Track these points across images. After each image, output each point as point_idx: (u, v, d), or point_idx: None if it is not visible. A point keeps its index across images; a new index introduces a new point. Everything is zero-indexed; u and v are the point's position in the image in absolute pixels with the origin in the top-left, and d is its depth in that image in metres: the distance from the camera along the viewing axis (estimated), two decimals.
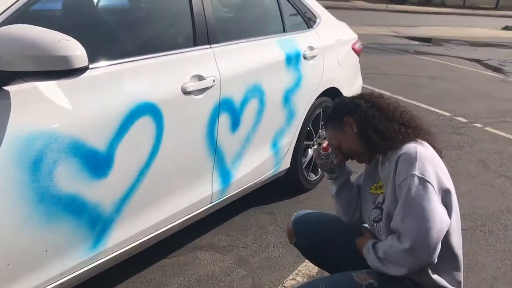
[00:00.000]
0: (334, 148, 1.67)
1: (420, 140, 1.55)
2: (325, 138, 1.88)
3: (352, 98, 1.68)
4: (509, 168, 4.04)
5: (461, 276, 1.56)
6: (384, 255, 1.47)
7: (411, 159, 1.44)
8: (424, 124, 1.64)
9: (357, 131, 1.61)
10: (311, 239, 1.82)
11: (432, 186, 1.41)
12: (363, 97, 1.66)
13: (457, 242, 1.52)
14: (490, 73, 8.91)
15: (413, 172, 1.41)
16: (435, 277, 1.49)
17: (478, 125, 5.23)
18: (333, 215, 1.89)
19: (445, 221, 1.40)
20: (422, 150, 1.48)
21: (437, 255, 1.38)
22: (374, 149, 1.62)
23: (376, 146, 1.59)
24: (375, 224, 1.62)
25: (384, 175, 1.58)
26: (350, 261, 1.67)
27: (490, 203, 3.34)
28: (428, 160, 1.46)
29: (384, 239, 1.54)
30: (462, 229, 2.89)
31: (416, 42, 12.81)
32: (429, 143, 1.57)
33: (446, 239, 1.47)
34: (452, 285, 1.52)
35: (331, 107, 1.76)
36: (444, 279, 1.51)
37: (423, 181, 1.40)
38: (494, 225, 3.04)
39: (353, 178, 1.83)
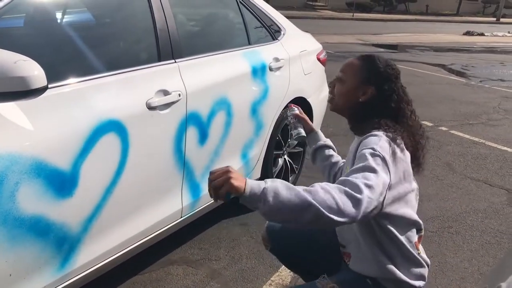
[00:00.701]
0: (334, 80, 1.65)
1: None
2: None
3: (396, 81, 1.58)
4: (474, 169, 4.16)
5: (424, 271, 1.56)
6: (314, 192, 1.23)
7: (375, 139, 1.42)
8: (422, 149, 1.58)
9: (363, 102, 1.56)
10: (285, 242, 1.83)
11: (387, 163, 1.36)
12: (399, 94, 1.58)
13: (411, 237, 1.52)
14: (454, 77, 9.18)
15: (374, 146, 1.38)
16: (397, 272, 1.50)
17: (444, 128, 5.38)
18: None
19: (383, 193, 1.32)
20: (391, 142, 1.43)
21: (363, 216, 1.26)
22: (352, 120, 1.61)
23: (355, 122, 1.60)
24: None
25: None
26: (323, 262, 1.69)
27: (456, 205, 3.43)
28: (387, 145, 1.41)
29: None
30: (430, 231, 2.98)
31: (382, 49, 13.09)
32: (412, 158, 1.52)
33: (402, 233, 1.49)
34: (413, 280, 1.52)
35: (379, 59, 1.60)
36: (406, 276, 1.51)
37: (381, 157, 1.36)
38: (461, 226, 3.12)
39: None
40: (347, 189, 1.24)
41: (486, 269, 2.63)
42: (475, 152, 4.62)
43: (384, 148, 1.39)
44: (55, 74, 1.67)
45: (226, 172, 1.22)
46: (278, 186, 1.22)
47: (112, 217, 1.94)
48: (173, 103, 2.14)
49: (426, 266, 1.56)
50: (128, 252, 2.10)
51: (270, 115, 2.93)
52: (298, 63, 3.21)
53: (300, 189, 1.23)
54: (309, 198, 1.20)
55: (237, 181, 1.21)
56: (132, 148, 1.94)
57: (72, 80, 1.77)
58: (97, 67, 1.93)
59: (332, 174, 1.87)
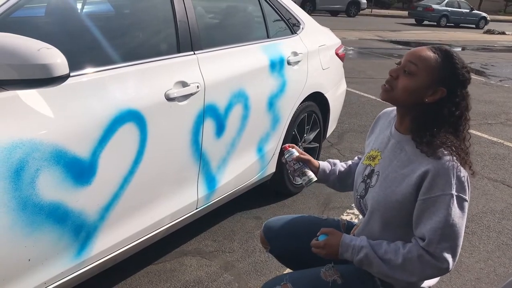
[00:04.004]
0: (398, 70, 1.43)
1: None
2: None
3: (467, 87, 1.42)
4: (492, 170, 4.10)
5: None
6: (404, 262, 1.38)
7: (449, 176, 1.35)
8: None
9: (428, 103, 1.40)
10: (284, 243, 1.78)
11: (467, 201, 1.37)
12: (468, 102, 1.43)
13: None
14: (473, 76, 8.96)
15: (452, 192, 1.34)
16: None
17: None
18: (305, 215, 1.87)
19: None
20: (458, 166, 1.37)
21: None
22: (411, 119, 1.45)
23: (415, 124, 1.44)
24: (361, 199, 1.57)
25: (391, 155, 1.49)
26: (326, 262, 1.68)
27: (473, 205, 3.38)
28: (464, 175, 1.38)
29: (371, 218, 1.50)
30: None
31: (400, 46, 12.96)
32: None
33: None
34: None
35: (457, 58, 1.41)
36: None
37: (462, 200, 1.36)
38: (477, 226, 3.09)
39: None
40: (434, 262, 1.35)
41: (502, 271, 2.60)
42: (493, 152, 4.55)
43: (458, 185, 1.35)
44: (76, 63, 1.69)
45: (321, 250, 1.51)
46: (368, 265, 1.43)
47: (128, 207, 1.96)
48: (191, 94, 2.14)
49: None
50: (143, 242, 2.12)
51: (287, 109, 2.92)
52: (317, 58, 3.19)
53: (388, 268, 1.39)
54: (398, 275, 1.39)
55: (330, 256, 1.49)
56: (150, 139, 1.95)
57: (92, 69, 1.79)
58: (117, 57, 1.94)
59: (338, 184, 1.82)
